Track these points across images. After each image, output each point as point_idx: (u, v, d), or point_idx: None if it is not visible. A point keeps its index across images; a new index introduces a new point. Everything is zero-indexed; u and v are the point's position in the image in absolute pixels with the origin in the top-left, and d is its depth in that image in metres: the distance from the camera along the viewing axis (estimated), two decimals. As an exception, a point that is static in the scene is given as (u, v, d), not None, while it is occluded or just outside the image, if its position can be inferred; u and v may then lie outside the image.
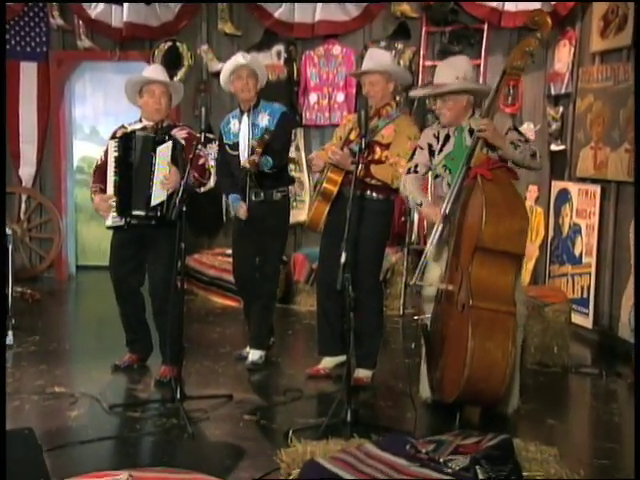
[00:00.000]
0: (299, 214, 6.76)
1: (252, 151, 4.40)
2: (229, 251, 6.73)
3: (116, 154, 4.32)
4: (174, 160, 4.21)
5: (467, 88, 3.88)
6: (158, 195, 4.21)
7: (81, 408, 3.91)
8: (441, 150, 3.94)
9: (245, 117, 4.57)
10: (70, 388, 4.19)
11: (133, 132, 4.34)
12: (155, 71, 4.51)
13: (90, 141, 7.86)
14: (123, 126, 4.52)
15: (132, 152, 4.28)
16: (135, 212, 4.28)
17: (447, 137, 3.94)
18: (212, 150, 6.77)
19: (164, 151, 4.23)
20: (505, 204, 3.60)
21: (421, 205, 3.92)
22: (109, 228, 4.41)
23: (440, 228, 3.77)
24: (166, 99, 4.40)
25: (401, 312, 6.18)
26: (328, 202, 4.20)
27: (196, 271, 6.63)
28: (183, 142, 4.31)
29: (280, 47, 6.61)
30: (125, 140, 4.32)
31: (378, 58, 4.31)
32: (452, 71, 3.88)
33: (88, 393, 4.09)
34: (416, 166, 4.00)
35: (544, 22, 3.75)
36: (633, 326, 4.79)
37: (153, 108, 4.37)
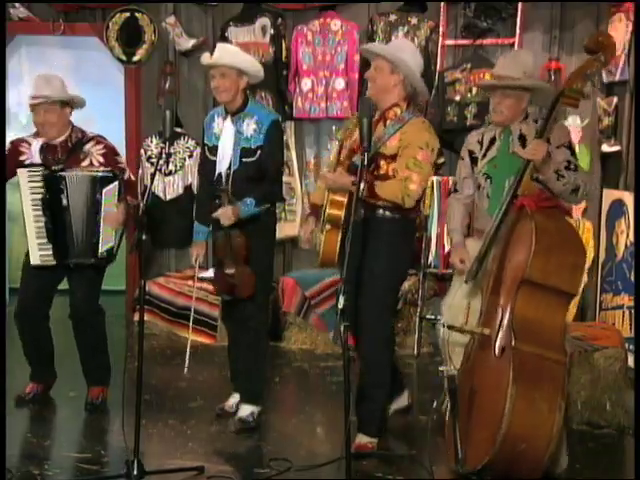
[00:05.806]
0: (289, 227, 6.77)
1: (219, 196, 4.50)
2: (203, 274, 6.75)
3: (38, 195, 4.59)
4: (120, 197, 4.69)
5: (542, 87, 4.16)
6: (107, 240, 4.66)
7: (15, 487, 3.87)
8: (484, 155, 4.17)
9: (229, 121, 4.58)
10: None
11: (59, 171, 4.61)
12: (45, 83, 4.69)
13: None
14: (25, 140, 4.82)
15: (63, 194, 4.59)
16: (78, 260, 4.67)
17: (492, 140, 4.16)
18: (180, 148, 6.82)
19: (111, 191, 4.66)
20: (558, 234, 3.77)
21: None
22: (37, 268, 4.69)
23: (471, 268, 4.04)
24: (56, 115, 4.66)
25: (416, 352, 6.12)
26: (339, 229, 4.17)
27: (160, 299, 6.63)
28: (102, 159, 4.72)
29: (265, 21, 6.59)
30: (51, 180, 4.59)
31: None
32: (519, 65, 4.09)
33: (23, 466, 4.06)
34: (456, 184, 4.33)
35: (608, 45, 3.94)
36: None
37: (43, 128, 4.70)
